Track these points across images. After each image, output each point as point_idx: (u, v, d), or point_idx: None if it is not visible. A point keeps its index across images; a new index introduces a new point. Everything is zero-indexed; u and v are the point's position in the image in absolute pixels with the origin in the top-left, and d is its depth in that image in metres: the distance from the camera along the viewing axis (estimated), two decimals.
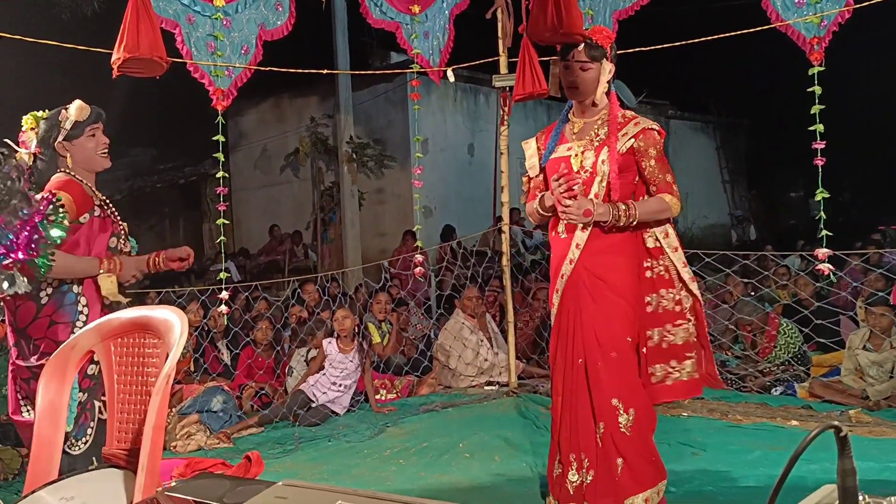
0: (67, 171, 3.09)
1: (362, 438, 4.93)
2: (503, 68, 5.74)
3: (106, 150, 3.17)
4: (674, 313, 3.16)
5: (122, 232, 3.20)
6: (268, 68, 5.02)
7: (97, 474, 1.93)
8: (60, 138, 3.09)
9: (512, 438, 4.61)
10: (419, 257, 5.92)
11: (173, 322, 2.00)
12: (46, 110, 3.15)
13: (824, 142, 4.39)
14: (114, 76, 3.95)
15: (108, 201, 3.24)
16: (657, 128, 3.10)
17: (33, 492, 1.78)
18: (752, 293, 6.43)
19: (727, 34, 5.00)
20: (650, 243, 3.16)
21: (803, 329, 5.84)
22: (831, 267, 4.51)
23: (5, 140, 3.10)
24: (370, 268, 10.65)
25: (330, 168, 12.88)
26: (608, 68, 3.10)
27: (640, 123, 3.09)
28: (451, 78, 5.88)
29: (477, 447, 4.50)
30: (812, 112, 4.38)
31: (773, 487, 1.01)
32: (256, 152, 14.37)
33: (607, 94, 3.16)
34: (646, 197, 3.16)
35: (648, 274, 3.17)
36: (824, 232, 4.44)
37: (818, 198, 4.44)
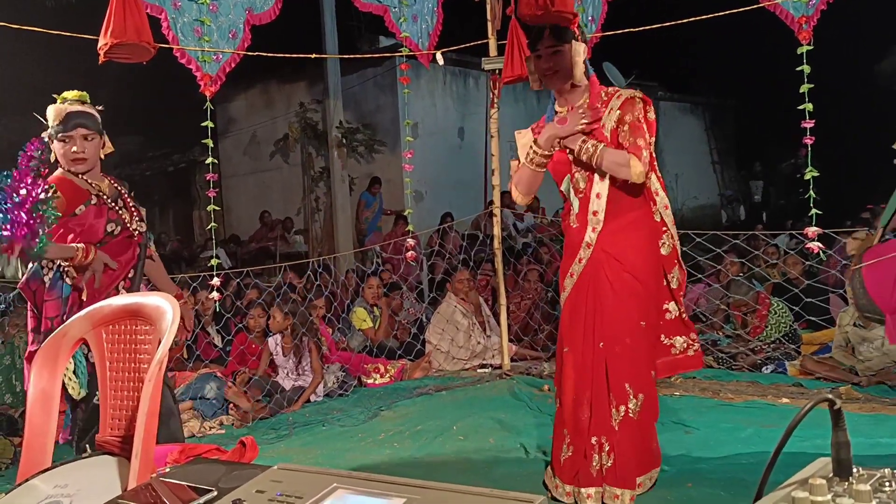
0: (61, 165, 3.14)
1: (356, 423, 4.94)
2: (492, 51, 5.72)
3: (76, 159, 3.11)
4: (681, 286, 3.27)
5: (120, 218, 3.20)
6: (256, 53, 4.98)
7: (91, 461, 1.92)
8: (49, 132, 3.10)
9: (506, 420, 4.63)
10: (410, 241, 5.92)
11: (165, 309, 1.99)
12: (81, 92, 3.16)
13: (813, 121, 4.40)
14: (100, 62, 3.91)
15: (118, 187, 3.28)
16: (640, 95, 3.12)
17: (27, 480, 1.77)
18: (742, 273, 6.45)
19: (715, 14, 4.99)
20: (657, 217, 3.21)
21: (793, 307, 5.87)
22: (821, 245, 4.53)
23: (34, 114, 3.13)
24: (361, 252, 10.65)
25: (320, 153, 12.83)
26: (580, 49, 3.11)
27: (623, 95, 3.12)
28: (441, 61, 5.85)
29: (471, 429, 4.52)
30: (801, 91, 4.38)
31: (768, 461, 1.02)
32: (246, 138, 14.29)
33: (587, 76, 3.17)
34: None
35: (664, 251, 3.22)
36: (814, 211, 4.45)
37: (807, 176, 4.46)
